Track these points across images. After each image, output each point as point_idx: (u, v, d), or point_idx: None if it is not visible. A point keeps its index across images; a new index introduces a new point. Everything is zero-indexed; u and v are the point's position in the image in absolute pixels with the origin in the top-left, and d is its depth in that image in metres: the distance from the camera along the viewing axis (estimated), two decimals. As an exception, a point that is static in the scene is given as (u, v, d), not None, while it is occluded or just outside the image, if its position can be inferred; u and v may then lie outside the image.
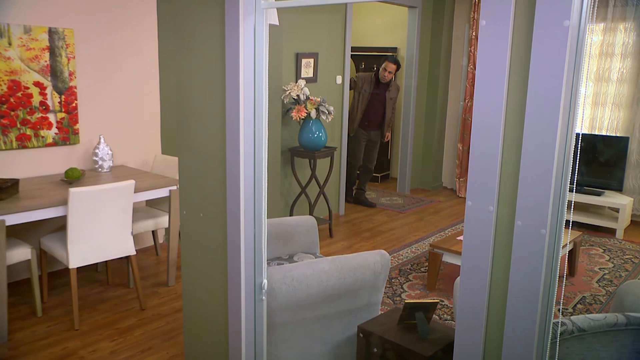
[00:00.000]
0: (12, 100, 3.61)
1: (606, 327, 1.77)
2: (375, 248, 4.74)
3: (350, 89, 5.82)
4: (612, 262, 4.54)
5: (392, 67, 5.66)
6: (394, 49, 7.19)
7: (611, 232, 5.32)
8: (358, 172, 6.14)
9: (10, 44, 3.55)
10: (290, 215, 5.02)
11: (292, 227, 3.19)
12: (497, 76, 1.35)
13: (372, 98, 5.79)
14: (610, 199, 5.34)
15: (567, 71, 1.25)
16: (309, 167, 4.98)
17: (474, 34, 6.41)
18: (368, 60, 7.33)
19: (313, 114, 4.60)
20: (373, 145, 6.02)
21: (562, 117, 1.27)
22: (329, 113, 4.67)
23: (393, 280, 4.04)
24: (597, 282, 4.10)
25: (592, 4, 1.26)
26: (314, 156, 4.76)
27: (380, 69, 5.70)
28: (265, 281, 2.11)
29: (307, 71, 5.11)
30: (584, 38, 1.25)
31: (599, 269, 4.38)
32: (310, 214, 4.93)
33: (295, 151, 4.90)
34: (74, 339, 3.08)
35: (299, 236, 3.19)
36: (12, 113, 3.63)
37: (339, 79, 5.56)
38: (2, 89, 3.56)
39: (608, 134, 5.66)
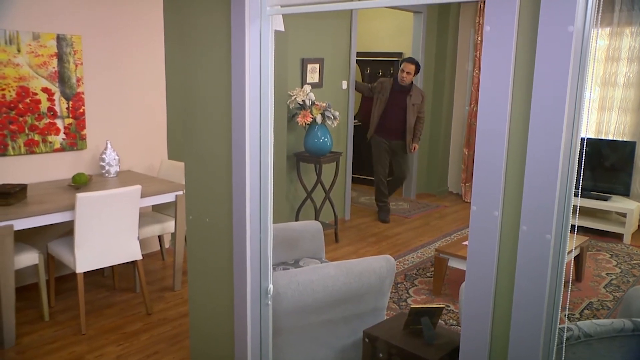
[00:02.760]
0: (20, 106, 3.65)
1: (613, 332, 1.76)
2: (381, 253, 4.73)
3: (355, 89, 5.68)
4: (620, 268, 4.51)
5: (410, 67, 5.26)
6: (399, 54, 7.20)
7: (618, 237, 5.29)
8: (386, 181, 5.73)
9: (19, 50, 3.59)
10: (296, 220, 5.02)
11: (298, 232, 3.20)
12: (501, 81, 1.36)
13: (390, 103, 5.41)
14: (617, 203, 5.32)
15: (571, 76, 1.26)
16: (315, 172, 4.98)
17: (479, 38, 6.41)
18: (374, 66, 7.35)
19: (318, 119, 4.61)
20: (394, 156, 5.58)
21: (566, 122, 1.28)
22: (335, 118, 4.68)
23: (399, 285, 4.03)
24: (604, 287, 4.08)
25: (597, 9, 1.26)
26: (319, 161, 4.76)
27: (399, 71, 5.36)
28: (270, 286, 2.12)
29: (312, 76, 5.13)
30: (589, 43, 1.26)
31: (606, 274, 4.36)
32: (316, 219, 4.93)
33: (300, 156, 4.91)
34: (81, 343, 3.10)
35: (304, 241, 3.19)
36: (21, 119, 3.66)
37: (344, 84, 5.57)
38: (10, 95, 3.59)
39: (615, 139, 5.63)
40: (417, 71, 5.34)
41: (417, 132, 5.55)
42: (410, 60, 5.33)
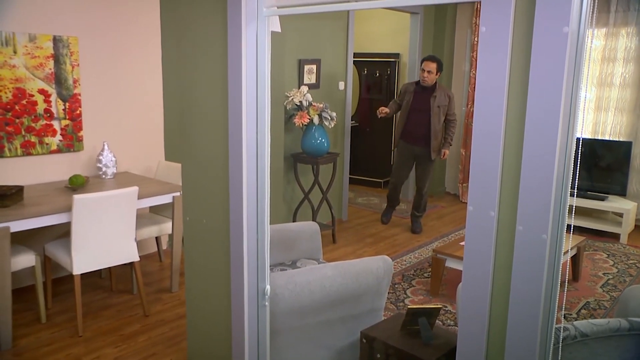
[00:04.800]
0: (17, 107, 3.64)
1: (609, 332, 1.77)
2: (378, 253, 4.73)
3: (391, 114, 5.33)
4: (616, 267, 4.52)
5: (431, 65, 4.86)
6: (397, 55, 7.21)
7: (615, 237, 5.31)
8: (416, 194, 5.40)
9: (15, 52, 3.58)
10: (294, 221, 5.02)
11: (295, 232, 3.20)
12: (497, 82, 1.36)
13: (413, 107, 5.03)
14: (613, 203, 5.33)
15: (566, 76, 1.26)
16: (312, 172, 4.99)
17: (476, 39, 6.42)
18: (370, 66, 7.36)
19: (316, 120, 4.61)
20: (417, 163, 5.22)
21: (562, 122, 1.28)
22: (332, 119, 4.69)
23: (396, 286, 4.03)
24: (601, 287, 4.09)
25: (592, 10, 1.27)
26: (316, 162, 4.77)
27: (419, 71, 5.03)
28: (268, 287, 2.12)
29: (309, 77, 5.13)
30: (584, 44, 1.26)
31: (603, 274, 4.37)
32: (314, 219, 4.93)
33: (298, 157, 4.91)
34: (78, 345, 3.09)
35: (301, 242, 3.19)
36: (17, 120, 3.66)
37: (341, 85, 5.57)
38: (7, 97, 3.59)
39: (611, 139, 5.65)
40: (439, 69, 4.90)
41: (447, 137, 5.09)
42: (431, 58, 4.91)
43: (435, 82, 4.99)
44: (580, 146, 1.38)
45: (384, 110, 5.17)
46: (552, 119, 1.28)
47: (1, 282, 2.97)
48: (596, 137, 5.73)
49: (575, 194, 1.43)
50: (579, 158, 1.39)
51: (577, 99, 1.29)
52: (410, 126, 5.09)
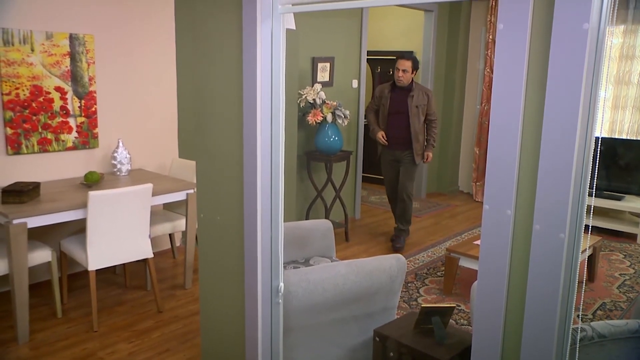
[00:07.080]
0: (34, 105, 3.68)
1: (627, 333, 1.74)
2: (391, 252, 4.72)
3: (367, 120, 5.04)
4: (633, 268, 4.46)
5: (405, 64, 4.51)
6: (410, 53, 7.16)
7: (632, 237, 5.23)
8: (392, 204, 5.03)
9: (32, 50, 3.62)
10: (306, 219, 5.02)
11: (308, 230, 3.20)
12: (515, 79, 1.35)
13: (390, 110, 4.66)
14: (631, 203, 5.26)
15: (586, 74, 1.24)
16: (325, 170, 4.98)
17: (490, 37, 6.37)
18: (384, 65, 7.33)
19: (329, 118, 4.60)
20: (403, 169, 4.72)
21: (581, 121, 1.26)
22: (345, 117, 4.68)
23: (409, 285, 4.02)
24: (617, 288, 4.03)
25: (612, 6, 1.25)
26: (329, 160, 4.76)
27: (394, 71, 4.63)
28: (281, 284, 2.12)
29: (323, 75, 5.13)
30: (604, 41, 1.24)
31: (620, 274, 4.31)
32: (326, 217, 4.93)
33: (311, 155, 4.91)
34: (93, 340, 3.12)
35: (315, 240, 3.19)
36: (34, 117, 3.70)
37: (355, 83, 5.56)
38: (24, 94, 3.63)
39: (629, 138, 5.57)
40: (415, 67, 4.57)
41: (430, 138, 4.71)
42: (405, 56, 4.58)
43: (412, 81, 4.63)
44: (599, 145, 1.36)
45: (385, 137, 4.74)
46: (571, 117, 1.26)
47: (18, 277, 3.01)
48: (613, 136, 5.65)
49: (594, 193, 1.41)
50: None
51: (597, 97, 1.27)
52: (390, 131, 4.69)
